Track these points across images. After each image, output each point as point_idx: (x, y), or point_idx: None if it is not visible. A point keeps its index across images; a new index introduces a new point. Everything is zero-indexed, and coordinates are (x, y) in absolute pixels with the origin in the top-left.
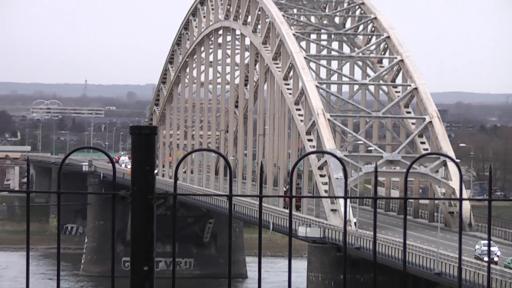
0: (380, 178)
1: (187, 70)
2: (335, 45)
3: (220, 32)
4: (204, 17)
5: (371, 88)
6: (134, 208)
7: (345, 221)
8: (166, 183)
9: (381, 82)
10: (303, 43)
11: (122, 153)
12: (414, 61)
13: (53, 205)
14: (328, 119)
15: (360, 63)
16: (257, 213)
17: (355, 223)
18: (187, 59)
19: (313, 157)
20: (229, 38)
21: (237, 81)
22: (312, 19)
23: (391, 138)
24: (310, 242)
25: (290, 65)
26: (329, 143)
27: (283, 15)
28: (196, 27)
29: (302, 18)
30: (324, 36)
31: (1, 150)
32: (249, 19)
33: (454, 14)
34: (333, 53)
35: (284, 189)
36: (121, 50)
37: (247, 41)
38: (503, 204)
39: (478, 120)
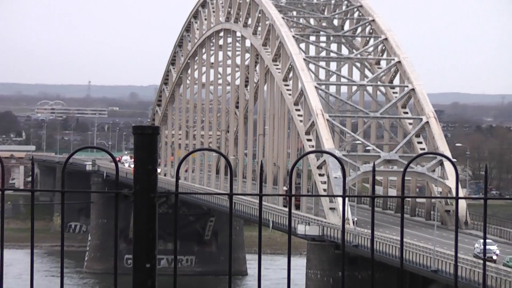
0: (377, 177)
1: (189, 71)
2: (333, 47)
3: (221, 34)
4: (206, 19)
5: (369, 89)
6: (136, 207)
7: (344, 219)
8: (168, 182)
9: (379, 83)
10: (303, 45)
11: (126, 152)
12: (411, 63)
13: (57, 203)
14: (327, 120)
15: (358, 64)
16: (257, 212)
17: (355, 222)
18: (188, 61)
19: (312, 156)
20: (230, 40)
21: (237, 82)
22: (311, 21)
23: (388, 138)
24: (309, 240)
25: (290, 66)
26: (328, 143)
27: (283, 18)
28: (197, 29)
29: (301, 21)
30: (323, 38)
31: (6, 150)
32: (249, 22)
33: (451, 17)
34: (332, 54)
35: (285, 188)
36: (124, 52)
37: (248, 43)
38: (498, 203)
39: (474, 120)
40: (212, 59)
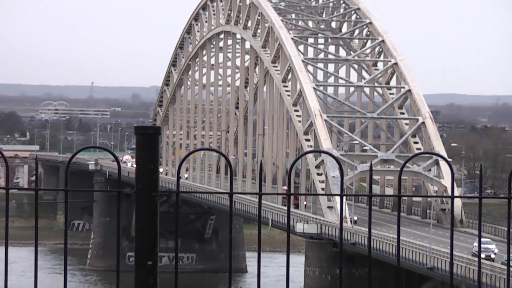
0: (375, 177)
1: (190, 72)
2: (331, 48)
3: (221, 36)
4: (206, 22)
5: (366, 90)
6: (138, 205)
7: (341, 218)
8: (169, 181)
9: (376, 84)
10: (301, 47)
11: (128, 152)
12: (407, 64)
13: (60, 202)
14: (325, 120)
15: (355, 66)
16: (257, 210)
17: (355, 221)
18: (189, 62)
19: (310, 156)
20: (230, 42)
21: (237, 83)
22: (310, 23)
23: (385, 138)
24: (308, 238)
25: (289, 68)
26: (326, 143)
27: (282, 20)
28: (198, 31)
29: (300, 23)
30: (321, 40)
31: (10, 150)
32: (249, 24)
33: (448, 19)
34: (330, 56)
35: (285, 187)
36: (126, 54)
37: (247, 45)
38: (493, 202)
39: (469, 121)
40: (212, 61)
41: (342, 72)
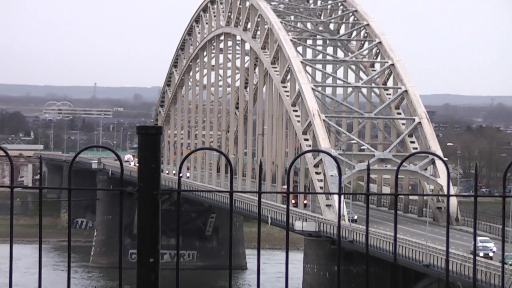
0: (372, 176)
1: (191, 73)
2: (330, 50)
3: (222, 37)
4: (207, 23)
5: (364, 90)
6: (140, 204)
7: (339, 216)
8: (170, 180)
9: (373, 85)
10: (300, 48)
11: (131, 151)
12: (404, 65)
13: (64, 200)
14: (323, 120)
15: (353, 67)
16: (257, 208)
17: (355, 220)
18: (190, 63)
19: (309, 155)
20: (230, 43)
21: (237, 84)
22: (308, 25)
23: (382, 138)
24: (306, 235)
25: (288, 69)
26: (324, 143)
27: (281, 22)
28: (199, 33)
29: (299, 25)
30: (319, 42)
31: (15, 149)
32: (249, 26)
33: (444, 21)
34: (328, 57)
35: (285, 187)
36: (128, 55)
37: (247, 46)
38: (488, 200)
39: (465, 121)
40: (213, 62)
41: (340, 73)
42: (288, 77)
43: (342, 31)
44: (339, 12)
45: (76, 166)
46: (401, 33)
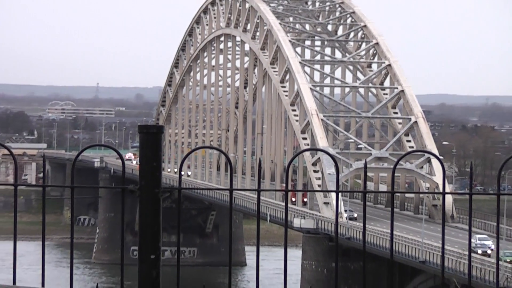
0: (369, 174)
1: (191, 73)
2: (328, 50)
3: (222, 38)
4: (207, 25)
5: (361, 90)
6: (142, 201)
7: (337, 213)
8: (171, 178)
9: (370, 85)
10: (299, 49)
11: (132, 149)
12: (400, 66)
13: (67, 198)
14: (321, 119)
15: (351, 67)
16: (256, 206)
17: (355, 218)
18: (191, 64)
19: (307, 154)
20: (230, 44)
21: (237, 84)
22: (307, 26)
23: (379, 137)
24: (305, 232)
25: (286, 69)
26: (322, 141)
27: (280, 23)
28: (199, 34)
29: (297, 26)
30: (317, 43)
31: (19, 148)
32: (248, 27)
33: (440, 23)
34: (326, 58)
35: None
36: (130, 56)
37: (247, 47)
38: (482, 198)
39: (460, 120)
40: (213, 62)
41: (337, 73)
42: (287, 77)
43: (340, 32)
44: (337, 14)
45: (79, 164)
46: (397, 35)
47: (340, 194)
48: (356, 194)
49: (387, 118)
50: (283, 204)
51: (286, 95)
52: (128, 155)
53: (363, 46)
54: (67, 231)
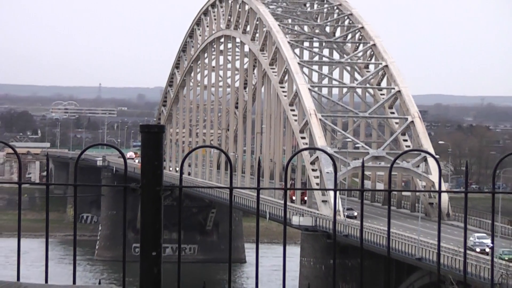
0: (366, 172)
1: (192, 74)
2: (326, 52)
3: (222, 40)
4: (207, 26)
5: (359, 91)
6: (143, 199)
7: (335, 211)
8: (172, 176)
9: (367, 85)
10: (297, 50)
11: (134, 148)
12: (397, 67)
13: (70, 196)
14: (320, 119)
15: (348, 68)
16: (255, 204)
17: (355, 216)
18: (192, 64)
19: (306, 153)
20: (230, 45)
21: (237, 84)
22: (305, 28)
23: (376, 136)
24: (303, 230)
25: (285, 70)
26: (320, 141)
27: (279, 25)
28: (200, 35)
29: (296, 28)
30: (316, 44)
31: (23, 147)
32: (248, 28)
33: (436, 25)
34: (324, 59)
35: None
36: (131, 56)
37: (246, 48)
38: (478, 196)
39: (456, 120)
40: (213, 63)
41: (335, 74)
42: (286, 78)
43: (337, 33)
44: (335, 16)
45: (82, 163)
46: (395, 36)
47: (338, 192)
48: (353, 192)
49: (384, 118)
50: (282, 202)
51: (285, 95)
52: (129, 153)
53: (361, 47)
54: (70, 229)
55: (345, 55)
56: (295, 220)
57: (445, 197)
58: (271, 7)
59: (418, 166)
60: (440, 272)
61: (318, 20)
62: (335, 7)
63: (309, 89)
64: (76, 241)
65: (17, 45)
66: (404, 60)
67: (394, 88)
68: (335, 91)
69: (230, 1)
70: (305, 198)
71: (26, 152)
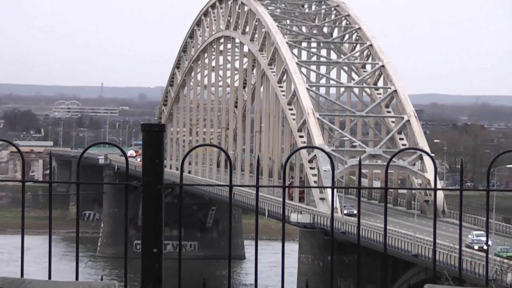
0: (363, 170)
1: (192, 74)
2: (323, 52)
3: (222, 40)
4: (207, 27)
5: (356, 90)
6: (144, 197)
7: (333, 208)
8: (173, 174)
9: (364, 85)
10: (295, 50)
11: (135, 147)
12: (394, 67)
13: (72, 194)
14: (317, 118)
15: (346, 68)
16: (254, 201)
17: (354, 214)
18: (192, 65)
19: (304, 151)
20: (229, 46)
21: (236, 84)
22: (303, 29)
23: (373, 135)
24: (301, 227)
25: (284, 70)
26: (318, 139)
27: (278, 26)
28: (200, 36)
29: (294, 28)
30: (314, 44)
31: (26, 145)
32: (247, 29)
33: (432, 26)
34: (322, 59)
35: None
36: (133, 57)
37: (245, 49)
38: (472, 194)
39: (451, 119)
40: (213, 63)
41: (333, 73)
42: (284, 77)
43: (335, 34)
44: (332, 16)
45: (84, 161)
46: (394, 35)
47: (335, 190)
48: (350, 190)
49: (380, 117)
50: (281, 199)
51: (284, 95)
52: (130, 152)
53: (358, 47)
54: (72, 226)
55: (342, 55)
56: (294, 217)
57: (440, 194)
58: (270, 8)
59: (414, 164)
60: (435, 268)
61: (316, 21)
62: (333, 8)
63: (307, 88)
64: (79, 238)
65: (17, 45)
66: (404, 60)
67: (390, 88)
68: (333, 90)
69: (229, 2)
70: (304, 196)
71: (29, 151)
